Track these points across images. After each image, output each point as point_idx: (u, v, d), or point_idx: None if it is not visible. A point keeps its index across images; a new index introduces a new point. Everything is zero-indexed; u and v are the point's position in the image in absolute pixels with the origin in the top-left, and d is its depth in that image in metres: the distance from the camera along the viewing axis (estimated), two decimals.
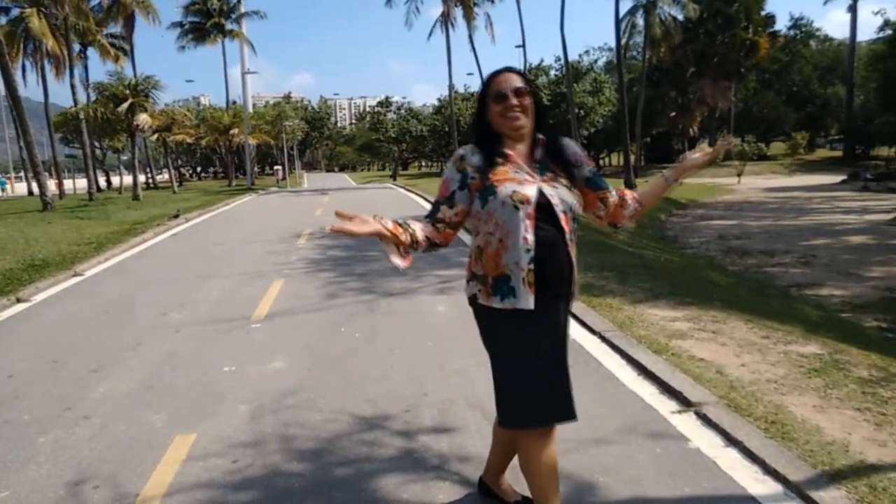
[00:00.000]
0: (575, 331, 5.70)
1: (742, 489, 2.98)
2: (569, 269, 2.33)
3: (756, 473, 3.10)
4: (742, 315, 6.07)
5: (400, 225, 2.26)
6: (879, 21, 40.94)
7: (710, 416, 3.64)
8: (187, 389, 4.52)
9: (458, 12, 41.71)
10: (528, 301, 2.26)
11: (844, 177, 35.97)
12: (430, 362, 4.93)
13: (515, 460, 2.61)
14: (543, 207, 2.28)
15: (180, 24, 47.56)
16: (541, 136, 2.40)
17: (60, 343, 5.89)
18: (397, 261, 2.26)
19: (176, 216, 17.24)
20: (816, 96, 60.31)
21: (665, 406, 3.92)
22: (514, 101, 2.31)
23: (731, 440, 3.41)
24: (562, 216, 2.29)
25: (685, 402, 3.88)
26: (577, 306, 6.32)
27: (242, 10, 47.96)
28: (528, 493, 2.65)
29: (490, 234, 2.31)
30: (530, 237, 2.24)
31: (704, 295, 7.27)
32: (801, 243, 14.87)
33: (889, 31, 37.43)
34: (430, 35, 44.39)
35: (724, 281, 9.59)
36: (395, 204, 21.13)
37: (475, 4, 43.11)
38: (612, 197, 2.51)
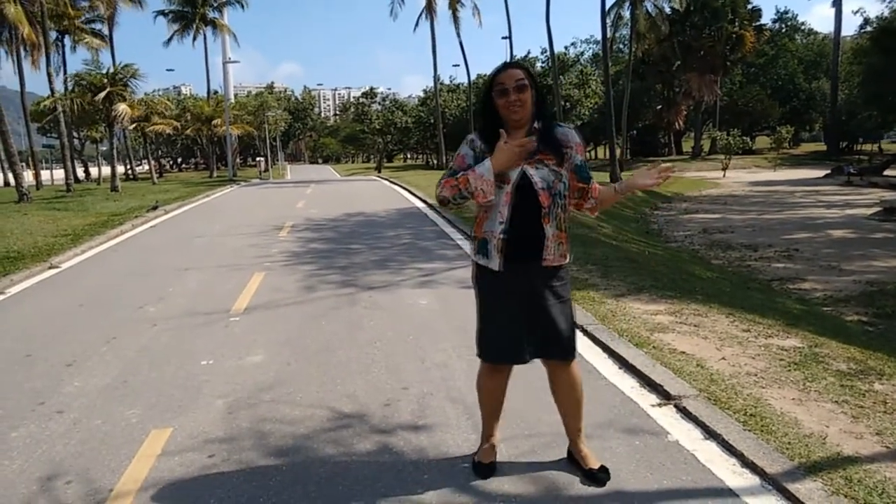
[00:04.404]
0: None
1: (720, 482, 2.97)
2: (540, 239, 2.76)
3: (734, 466, 3.10)
4: (724, 309, 6.08)
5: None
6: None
7: (690, 410, 3.64)
8: (163, 384, 4.45)
9: (443, 3, 41.56)
10: (496, 263, 2.79)
11: (828, 171, 36.18)
12: (411, 356, 4.89)
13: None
14: (524, 186, 2.73)
15: (162, 13, 46.92)
16: (536, 125, 2.81)
17: (34, 337, 5.79)
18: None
19: (155, 208, 17.02)
20: (801, 90, 60.49)
21: (645, 399, 3.92)
22: (514, 96, 2.71)
23: (710, 433, 3.40)
24: (541, 193, 2.74)
25: (665, 396, 3.88)
26: None
27: None
28: (604, 462, 3.07)
29: (480, 206, 2.80)
30: (505, 212, 2.75)
31: (687, 289, 7.28)
32: (784, 237, 14.96)
33: (870, 29, 37.65)
34: (416, 27, 44.36)
35: (707, 275, 9.62)
36: (381, 196, 21.02)
37: None
38: (587, 190, 2.92)
